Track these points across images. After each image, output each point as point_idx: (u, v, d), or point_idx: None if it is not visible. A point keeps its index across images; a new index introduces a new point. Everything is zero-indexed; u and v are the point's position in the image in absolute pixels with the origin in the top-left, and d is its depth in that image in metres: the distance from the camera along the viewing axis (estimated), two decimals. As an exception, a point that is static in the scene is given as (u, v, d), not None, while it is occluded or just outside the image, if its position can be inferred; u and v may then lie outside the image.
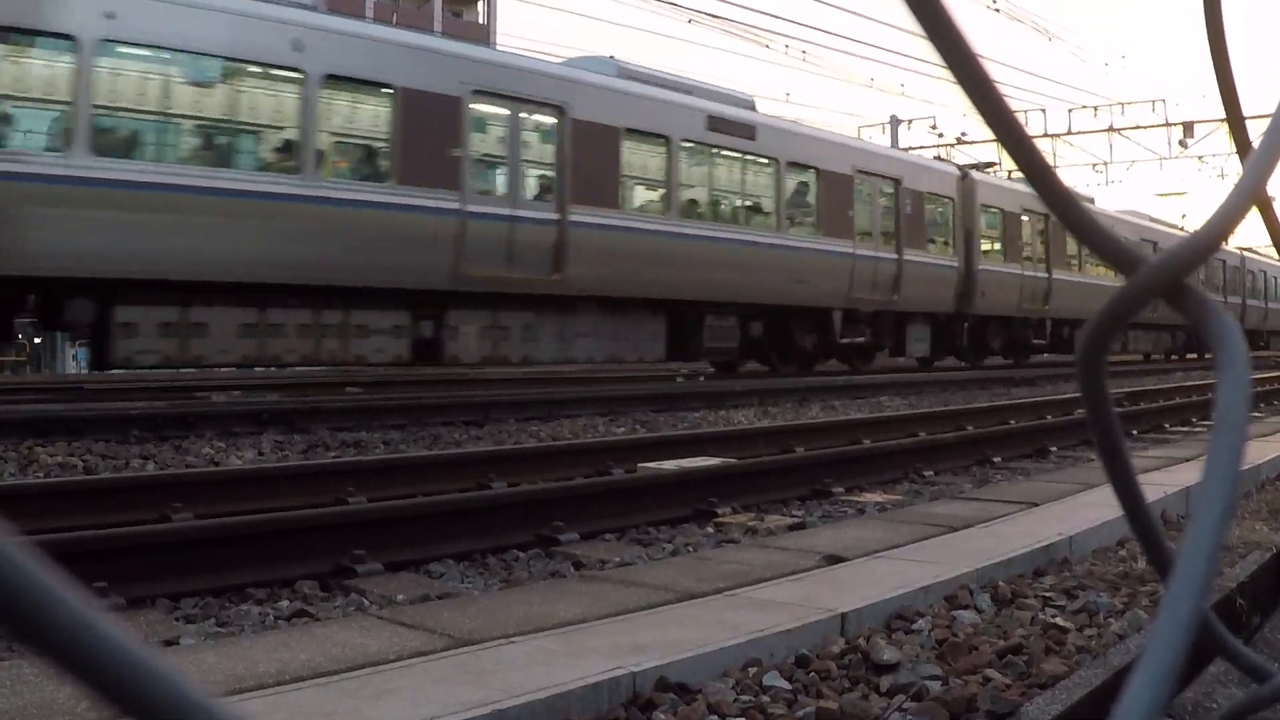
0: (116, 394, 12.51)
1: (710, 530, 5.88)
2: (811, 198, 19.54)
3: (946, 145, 34.53)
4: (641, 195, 16.81)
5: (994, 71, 0.45)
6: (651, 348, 16.65)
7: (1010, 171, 28.88)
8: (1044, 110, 37.08)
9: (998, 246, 25.04)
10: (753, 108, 18.99)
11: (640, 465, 7.36)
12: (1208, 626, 0.62)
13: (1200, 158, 37.72)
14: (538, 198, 14.75)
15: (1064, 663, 2.93)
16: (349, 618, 3.73)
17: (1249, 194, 0.55)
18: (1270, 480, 6.68)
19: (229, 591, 4.34)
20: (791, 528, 5.74)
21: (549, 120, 14.91)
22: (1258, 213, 0.80)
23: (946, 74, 0.43)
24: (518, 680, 2.55)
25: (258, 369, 15.36)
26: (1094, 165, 38.46)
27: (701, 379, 18.36)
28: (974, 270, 23.54)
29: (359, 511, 5.35)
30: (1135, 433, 10.98)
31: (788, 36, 36.75)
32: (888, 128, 36.02)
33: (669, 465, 7.11)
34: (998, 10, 32.74)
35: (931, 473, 8.10)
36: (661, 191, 16.77)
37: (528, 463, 7.41)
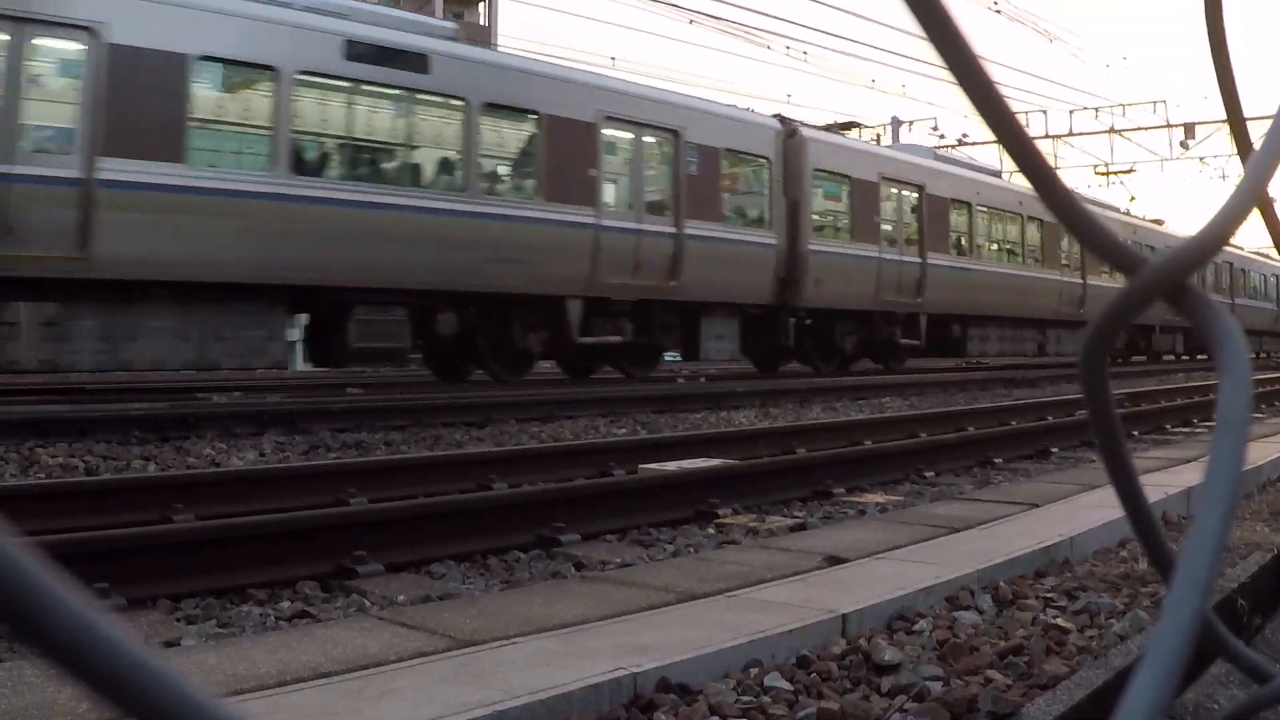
0: (118, 395, 12.50)
1: (711, 531, 5.88)
2: (532, 151, 14.95)
3: (949, 146, 34.49)
4: (231, 145, 12.51)
5: (995, 73, 0.45)
6: (266, 349, 12.51)
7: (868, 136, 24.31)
8: (1045, 111, 37.15)
9: (843, 222, 20.15)
10: (454, 38, 14.69)
11: (641, 466, 7.36)
12: (1209, 627, 0.62)
13: (1201, 159, 37.72)
14: (46, 149, 10.99)
15: (1065, 663, 2.93)
16: (350, 618, 3.73)
17: (1251, 194, 0.55)
18: (1271, 481, 6.67)
19: (230, 592, 4.35)
20: (792, 529, 5.74)
21: (70, 46, 11.11)
22: (1259, 213, 0.80)
23: (948, 75, 0.43)
24: (519, 681, 2.55)
25: (259, 370, 15.05)
26: (1095, 167, 38.45)
27: (703, 380, 18.09)
28: (802, 250, 18.48)
29: (360, 512, 5.35)
30: (1137, 433, 10.98)
31: (788, 38, 36.73)
32: (889, 128, 36.00)
33: (670, 466, 7.11)
34: (999, 11, 32.75)
35: (933, 474, 8.10)
36: (265, 140, 12.41)
37: (529, 463, 7.41)
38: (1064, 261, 27.01)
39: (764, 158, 18.31)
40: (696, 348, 17.55)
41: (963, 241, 23.48)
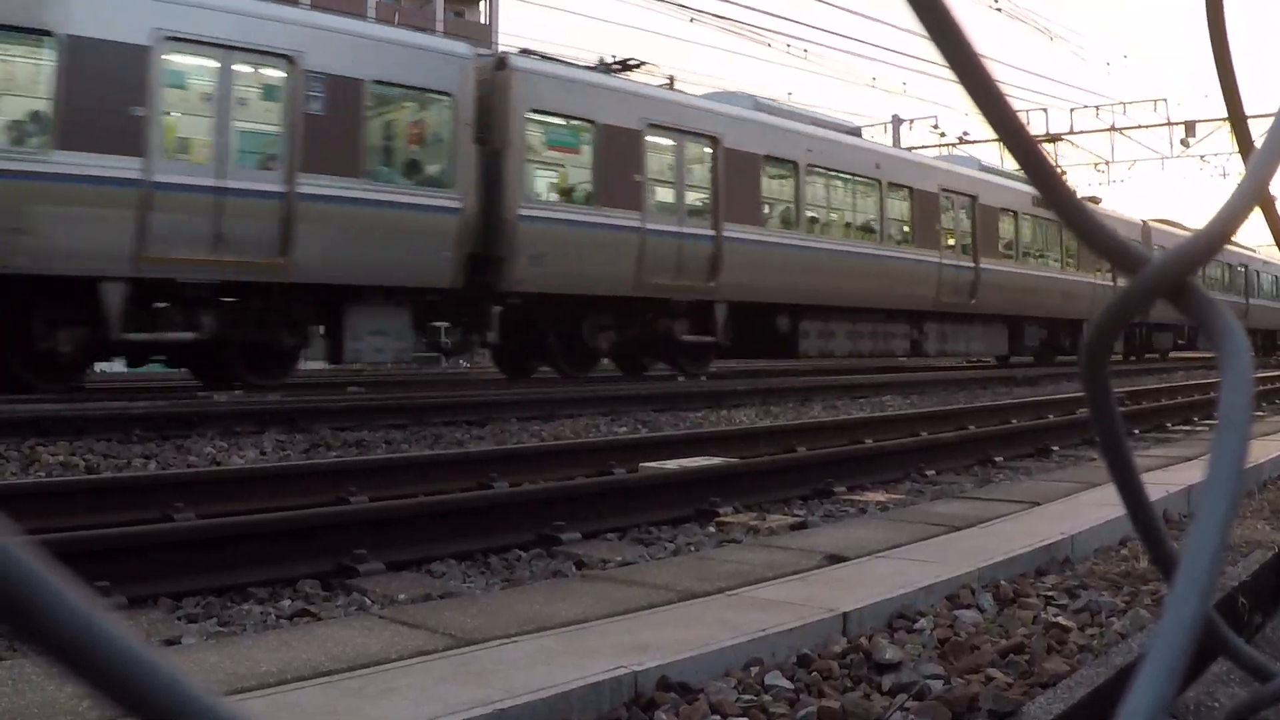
0: (118, 393, 12.50)
1: (712, 530, 5.88)
2: (40, 85, 11.14)
3: (949, 145, 34.48)
4: None
5: (996, 71, 0.45)
6: None
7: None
8: (1045, 110, 37.10)
9: (582, 182, 15.47)
10: None
11: (642, 465, 7.36)
12: (1211, 626, 0.62)
13: (1202, 157, 37.72)
14: None
15: (1066, 662, 2.93)
16: (351, 617, 3.73)
17: (1252, 193, 0.55)
18: (1272, 479, 6.67)
19: (231, 591, 4.35)
20: (793, 527, 5.74)
21: None
22: (1260, 212, 0.80)
23: (949, 74, 0.43)
24: (519, 680, 2.55)
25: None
26: (1096, 165, 38.47)
27: (703, 379, 17.92)
28: (507, 217, 14.14)
29: (361, 511, 5.35)
30: (1137, 432, 10.98)
31: (789, 36, 36.79)
32: (889, 127, 35.99)
33: (670, 465, 7.11)
34: (999, 10, 32.73)
35: (933, 472, 8.10)
36: None
37: (529, 462, 7.41)
38: (948, 242, 22.26)
39: (444, 94, 13.81)
40: (340, 346, 13.46)
41: (789, 212, 18.54)
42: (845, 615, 3.25)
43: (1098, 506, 5.04)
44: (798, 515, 6.29)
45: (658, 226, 15.93)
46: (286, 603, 4.26)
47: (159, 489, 5.81)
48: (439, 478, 6.70)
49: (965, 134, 36.03)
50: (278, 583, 4.46)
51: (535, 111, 14.78)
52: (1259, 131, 0.67)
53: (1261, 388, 15.87)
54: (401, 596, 4.32)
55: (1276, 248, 0.94)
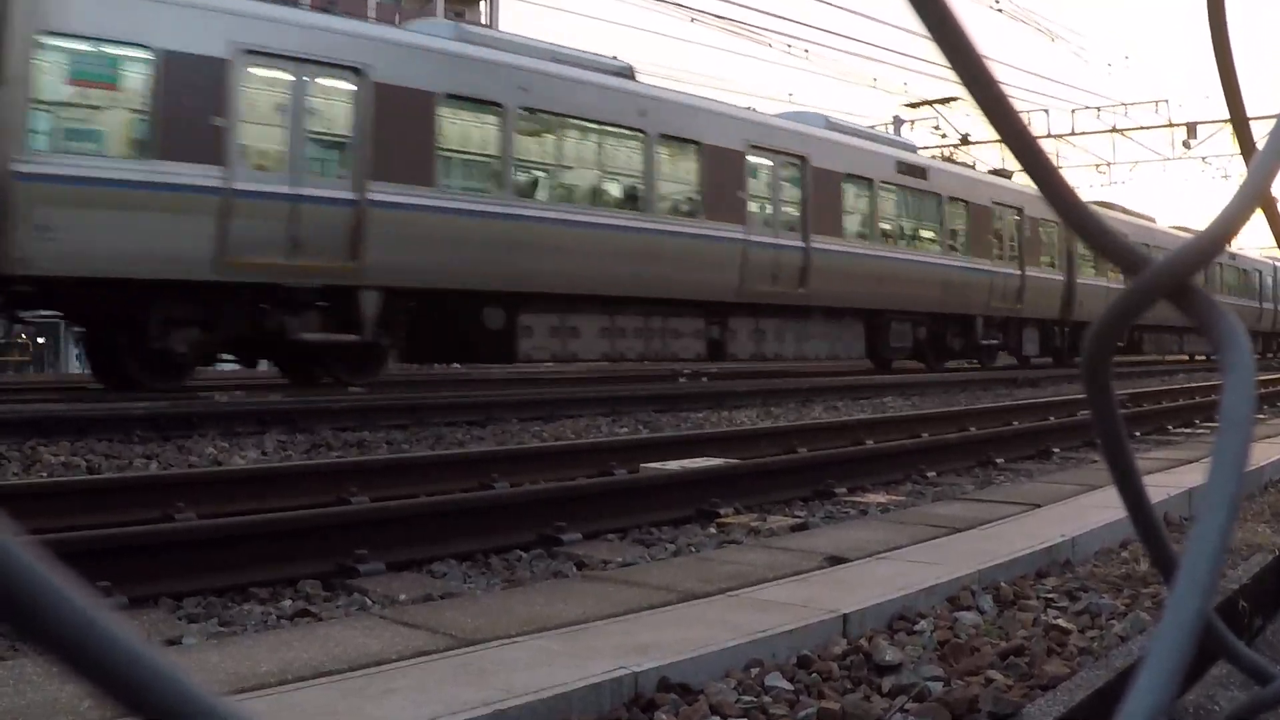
0: (119, 394, 12.50)
1: (713, 531, 5.88)
2: None
3: (950, 146, 34.45)
4: None
5: (997, 71, 0.45)
6: None
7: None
8: (1047, 111, 37.07)
9: (130, 130, 11.46)
10: None
11: (643, 465, 7.36)
12: (1211, 628, 0.62)
13: (1204, 159, 37.71)
14: None
15: (1066, 664, 2.93)
16: (351, 617, 3.73)
17: (1253, 195, 0.55)
18: (1274, 482, 6.67)
19: (232, 591, 4.35)
20: (794, 528, 5.74)
21: None
22: (1262, 214, 0.80)
23: (951, 74, 0.43)
24: (519, 680, 2.55)
25: (260, 368, 14.69)
26: (1097, 166, 38.47)
27: (704, 379, 17.75)
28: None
29: (362, 511, 5.35)
30: (1139, 434, 10.97)
31: (790, 36, 36.73)
32: (891, 127, 35.97)
33: (671, 465, 7.11)
34: (1000, 10, 32.73)
35: (934, 473, 8.10)
36: None
37: (530, 463, 7.42)
38: (763, 215, 17.80)
39: None
40: None
41: (494, 170, 14.38)
42: (845, 616, 3.25)
43: (1098, 509, 5.04)
44: (798, 516, 6.29)
45: (254, 186, 11.94)
46: (287, 603, 4.26)
47: (160, 489, 5.81)
48: (440, 478, 6.70)
49: (967, 135, 36.03)
50: (279, 583, 4.46)
51: (49, 34, 10.83)
52: (1261, 133, 0.67)
53: (1263, 390, 15.87)
54: (402, 597, 4.32)
55: (1278, 249, 0.94)
